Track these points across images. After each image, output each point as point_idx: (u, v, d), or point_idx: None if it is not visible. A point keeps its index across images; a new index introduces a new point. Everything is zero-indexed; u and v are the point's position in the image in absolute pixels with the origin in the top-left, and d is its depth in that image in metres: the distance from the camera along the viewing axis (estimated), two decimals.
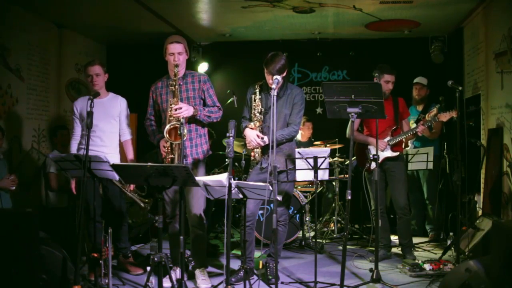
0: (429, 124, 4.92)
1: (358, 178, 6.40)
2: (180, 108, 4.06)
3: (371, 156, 5.17)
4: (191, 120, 4.25)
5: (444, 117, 4.91)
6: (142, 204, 4.64)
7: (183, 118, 4.00)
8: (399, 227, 5.06)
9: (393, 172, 4.99)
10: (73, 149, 4.64)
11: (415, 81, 6.26)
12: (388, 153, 4.96)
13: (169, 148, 4.11)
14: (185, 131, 3.92)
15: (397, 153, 4.96)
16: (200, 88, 4.32)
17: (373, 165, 4.93)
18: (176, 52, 4.18)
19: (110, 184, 4.53)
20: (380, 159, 4.94)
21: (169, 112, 4.10)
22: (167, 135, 4.07)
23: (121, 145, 4.77)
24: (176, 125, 4.05)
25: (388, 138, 4.97)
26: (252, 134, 4.22)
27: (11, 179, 4.83)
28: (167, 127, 4.07)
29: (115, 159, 4.62)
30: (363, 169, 4.96)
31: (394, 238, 5.46)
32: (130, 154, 4.76)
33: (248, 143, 4.28)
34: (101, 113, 4.54)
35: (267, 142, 4.17)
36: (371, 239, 5.35)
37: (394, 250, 5.37)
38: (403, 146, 5.15)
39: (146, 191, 4.90)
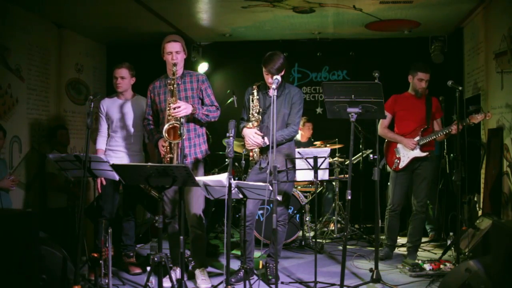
0: (464, 124, 4.77)
1: (358, 178, 6.44)
2: (179, 107, 4.05)
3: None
4: (190, 119, 4.24)
5: (476, 119, 4.74)
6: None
7: (182, 118, 3.99)
8: (411, 225, 5.05)
9: (419, 170, 4.97)
10: (99, 144, 4.76)
11: None
12: (417, 153, 4.92)
13: (168, 147, 4.11)
14: (184, 130, 3.91)
15: (426, 153, 4.92)
16: (198, 88, 4.31)
17: (400, 162, 4.98)
18: (174, 51, 4.18)
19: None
20: (409, 159, 4.95)
21: (168, 111, 4.10)
22: (166, 135, 4.06)
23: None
24: (175, 124, 4.04)
25: (417, 138, 4.94)
26: (250, 132, 4.21)
27: (11, 179, 4.83)
28: (166, 126, 4.06)
29: (139, 159, 4.71)
30: (390, 167, 5.02)
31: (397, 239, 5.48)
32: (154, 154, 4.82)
33: (246, 142, 4.28)
34: (126, 114, 4.65)
35: (267, 143, 4.16)
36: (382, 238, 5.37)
37: (395, 250, 5.37)
38: (434, 146, 5.10)
39: None
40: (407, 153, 4.96)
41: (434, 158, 5.10)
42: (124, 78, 4.69)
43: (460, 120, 4.79)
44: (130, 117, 4.69)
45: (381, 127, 5.08)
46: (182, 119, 3.95)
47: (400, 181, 5.03)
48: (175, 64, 4.11)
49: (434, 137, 4.90)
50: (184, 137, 3.89)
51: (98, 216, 4.55)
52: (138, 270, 4.67)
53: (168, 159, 4.10)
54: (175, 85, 4.12)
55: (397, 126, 5.12)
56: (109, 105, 4.72)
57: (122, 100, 4.74)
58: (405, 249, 5.25)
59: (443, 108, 6.15)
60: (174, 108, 4.05)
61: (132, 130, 4.70)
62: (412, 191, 5.11)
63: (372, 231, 6.24)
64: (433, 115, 5.04)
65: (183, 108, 4.06)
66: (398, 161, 5.00)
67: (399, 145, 5.02)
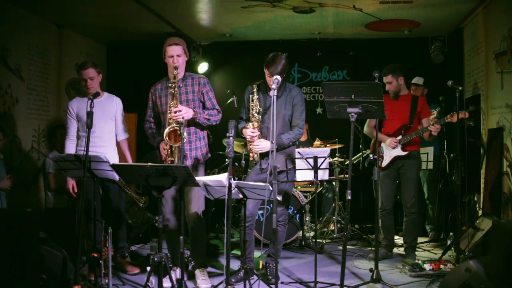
0: (442, 124, 4.78)
1: (358, 178, 6.44)
2: (180, 111, 4.05)
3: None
4: (191, 123, 4.23)
5: (454, 118, 4.71)
6: (140, 204, 4.65)
7: (182, 118, 3.99)
8: (404, 226, 5.05)
9: (403, 170, 4.98)
10: (68, 149, 4.63)
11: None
12: (397, 151, 4.94)
13: (169, 150, 4.11)
14: (185, 133, 3.91)
15: (406, 152, 4.91)
16: (200, 91, 4.30)
17: (383, 161, 4.98)
18: (175, 55, 4.16)
19: (111, 183, 4.53)
20: (391, 158, 4.97)
21: (169, 115, 4.09)
22: (167, 138, 4.06)
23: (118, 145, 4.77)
24: (176, 127, 4.04)
25: (399, 137, 4.95)
26: (247, 132, 4.21)
27: (10, 180, 4.84)
28: (167, 129, 4.06)
29: (114, 158, 4.63)
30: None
31: (397, 238, 5.47)
32: (127, 154, 4.76)
33: (249, 143, 4.26)
34: (99, 113, 4.53)
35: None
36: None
37: (395, 250, 5.37)
38: (418, 146, 5.10)
39: (141, 189, 4.89)
40: (389, 152, 4.99)
41: (417, 157, 5.08)
42: (93, 78, 4.57)
43: (439, 119, 4.84)
44: (101, 117, 4.54)
45: (368, 126, 5.12)
46: (182, 120, 3.95)
47: (385, 180, 5.04)
48: (176, 68, 4.10)
49: (415, 135, 4.90)
50: (185, 140, 3.88)
51: (90, 218, 4.48)
52: (136, 270, 4.65)
53: (169, 162, 4.10)
54: (176, 89, 4.11)
55: (383, 125, 5.15)
56: (79, 106, 4.58)
57: (94, 99, 4.63)
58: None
59: (443, 108, 6.16)
60: (175, 112, 4.04)
61: (104, 129, 4.60)
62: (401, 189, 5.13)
63: (372, 231, 6.24)
64: (418, 115, 5.03)
65: (184, 112, 4.05)
66: (381, 159, 5.03)
67: (383, 144, 5.05)
